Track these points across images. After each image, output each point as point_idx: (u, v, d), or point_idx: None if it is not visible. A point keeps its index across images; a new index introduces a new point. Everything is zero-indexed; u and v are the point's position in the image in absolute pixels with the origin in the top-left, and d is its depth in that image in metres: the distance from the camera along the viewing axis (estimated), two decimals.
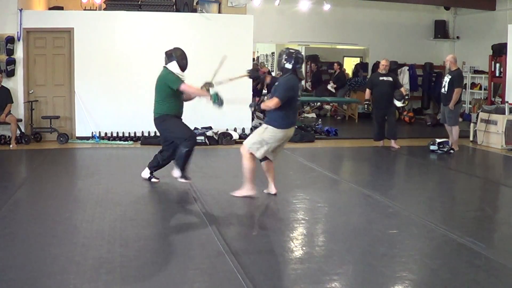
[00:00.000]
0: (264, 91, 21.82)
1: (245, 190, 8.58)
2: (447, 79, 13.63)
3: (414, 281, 5.60)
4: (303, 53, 24.50)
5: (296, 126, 15.33)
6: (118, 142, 14.11)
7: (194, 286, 5.25)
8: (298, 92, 8.50)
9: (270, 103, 8.23)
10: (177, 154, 9.20)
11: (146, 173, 9.74)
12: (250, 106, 9.23)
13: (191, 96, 9.45)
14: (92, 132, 14.25)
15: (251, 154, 8.37)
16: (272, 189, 8.83)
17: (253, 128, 14.94)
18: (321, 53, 25.07)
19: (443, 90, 13.71)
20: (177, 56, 9.20)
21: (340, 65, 22.40)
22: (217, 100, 8.80)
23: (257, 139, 8.35)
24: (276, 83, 8.45)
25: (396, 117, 15.02)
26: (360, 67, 23.31)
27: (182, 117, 9.39)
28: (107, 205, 8.04)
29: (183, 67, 9.23)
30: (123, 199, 8.44)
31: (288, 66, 8.33)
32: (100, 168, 11.10)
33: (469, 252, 6.41)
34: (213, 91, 8.89)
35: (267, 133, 8.31)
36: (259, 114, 16.66)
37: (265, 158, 8.60)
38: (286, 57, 8.35)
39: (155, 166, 9.69)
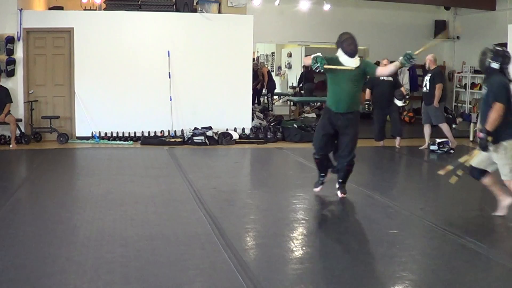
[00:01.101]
0: (264, 91, 21.89)
1: None
2: (427, 77, 13.65)
3: (414, 281, 5.59)
4: (302, 53, 24.66)
5: (296, 126, 15.44)
6: (118, 142, 14.11)
7: (194, 286, 5.25)
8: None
9: (495, 113, 7.19)
10: None
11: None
12: (483, 146, 7.41)
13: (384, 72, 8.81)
14: (92, 132, 14.26)
15: None
16: (506, 200, 7.73)
17: (253, 128, 14.96)
18: (321, 53, 25.00)
19: (424, 89, 13.69)
20: (342, 41, 8.30)
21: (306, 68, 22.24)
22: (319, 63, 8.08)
23: None
24: (485, 89, 7.51)
25: (399, 115, 15.02)
26: None
27: (345, 111, 8.32)
28: (107, 205, 8.04)
29: (349, 53, 8.22)
30: (123, 199, 8.45)
31: (495, 65, 7.39)
32: (100, 168, 11.10)
33: (469, 252, 6.41)
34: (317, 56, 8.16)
35: (510, 151, 7.33)
36: (258, 114, 16.66)
37: (483, 174, 7.71)
38: (492, 55, 7.42)
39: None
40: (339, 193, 8.75)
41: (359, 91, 8.55)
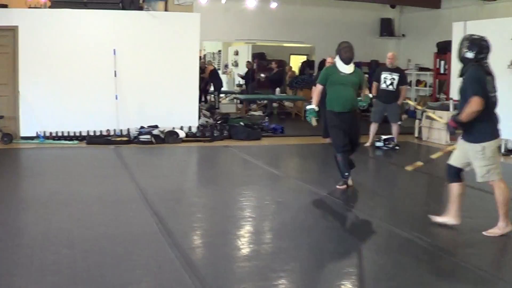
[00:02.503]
0: (211, 89, 21.88)
1: (502, 227, 7.01)
2: (394, 76, 13.73)
3: (361, 276, 5.67)
4: (249, 51, 24.70)
5: (243, 124, 15.42)
6: (64, 141, 13.93)
7: (141, 286, 5.23)
8: (489, 87, 6.84)
9: (471, 107, 6.62)
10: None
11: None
12: (451, 132, 7.23)
13: None
14: (37, 132, 14.06)
15: (500, 180, 6.90)
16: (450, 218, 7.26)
17: (200, 127, 14.95)
18: (268, 51, 25.13)
19: (390, 87, 13.78)
20: (340, 49, 9.26)
21: (279, 64, 22.62)
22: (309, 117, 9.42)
23: (491, 166, 6.82)
24: (462, 80, 7.00)
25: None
26: (307, 65, 23.47)
27: (347, 111, 9.25)
28: (52, 206, 7.94)
29: (344, 61, 9.19)
30: (69, 199, 8.35)
31: (470, 55, 6.85)
32: (45, 169, 10.96)
33: (415, 247, 6.52)
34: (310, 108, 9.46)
35: (488, 153, 6.80)
36: (205, 112, 16.65)
37: (458, 179, 7.21)
38: (468, 44, 6.89)
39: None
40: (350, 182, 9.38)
41: (356, 93, 9.38)
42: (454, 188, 7.18)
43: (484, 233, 6.95)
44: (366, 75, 20.66)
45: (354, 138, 9.35)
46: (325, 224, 7.46)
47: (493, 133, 6.88)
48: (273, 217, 7.95)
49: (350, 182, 9.36)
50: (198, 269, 5.60)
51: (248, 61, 24.14)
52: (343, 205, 8.34)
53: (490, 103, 6.80)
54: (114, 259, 5.88)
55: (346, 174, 9.28)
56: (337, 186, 9.32)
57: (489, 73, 6.91)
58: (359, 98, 9.42)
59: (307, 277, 5.64)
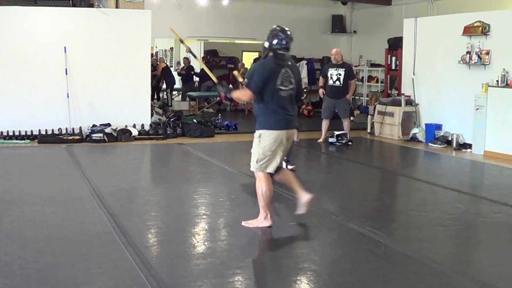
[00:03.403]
0: (163, 87, 21.81)
1: (260, 220, 7.05)
2: (340, 71, 13.83)
3: (316, 271, 5.69)
4: (201, 48, 24.63)
5: (196, 121, 15.40)
6: (15, 141, 13.74)
7: (95, 286, 5.18)
8: (280, 79, 6.78)
9: (241, 94, 6.94)
10: None
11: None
12: (219, 90, 7.14)
13: None
14: None
15: (266, 174, 6.92)
16: (305, 196, 7.15)
17: (153, 124, 14.88)
18: (220, 48, 25.11)
19: (337, 83, 13.86)
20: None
21: (188, 60, 22.90)
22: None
23: (261, 156, 6.85)
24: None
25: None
26: None
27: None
28: (4, 206, 7.82)
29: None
30: (21, 199, 8.23)
31: (266, 44, 6.88)
32: None
33: (369, 241, 6.58)
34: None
35: (263, 141, 6.82)
36: (158, 110, 16.59)
37: (276, 171, 7.04)
38: (268, 34, 6.90)
39: None
40: (289, 166, 10.03)
41: None
42: (282, 177, 7.21)
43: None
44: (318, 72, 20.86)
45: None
46: (279, 220, 7.45)
47: (274, 124, 6.80)
48: (227, 214, 7.95)
49: (290, 166, 10.02)
50: (153, 268, 5.57)
51: (185, 57, 24.15)
52: (296, 201, 8.36)
53: (276, 95, 6.78)
54: (67, 259, 5.82)
55: None
56: None
57: (284, 66, 6.89)
58: None
59: (263, 273, 5.66)
